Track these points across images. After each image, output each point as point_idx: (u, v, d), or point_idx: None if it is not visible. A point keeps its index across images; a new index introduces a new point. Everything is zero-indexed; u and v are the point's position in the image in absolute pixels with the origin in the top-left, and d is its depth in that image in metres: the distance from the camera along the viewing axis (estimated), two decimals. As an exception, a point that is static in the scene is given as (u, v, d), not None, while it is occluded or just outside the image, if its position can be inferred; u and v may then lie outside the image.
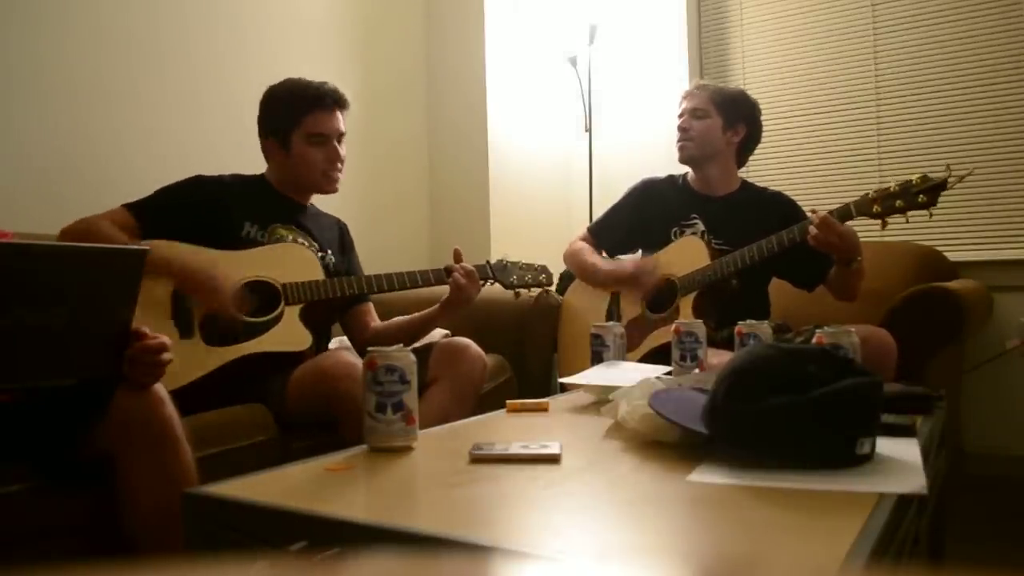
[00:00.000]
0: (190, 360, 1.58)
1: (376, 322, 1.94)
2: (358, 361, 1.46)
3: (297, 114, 1.80)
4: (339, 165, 1.85)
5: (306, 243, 1.83)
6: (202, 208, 1.72)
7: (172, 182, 1.77)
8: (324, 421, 1.53)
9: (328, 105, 1.81)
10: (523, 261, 1.96)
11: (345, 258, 1.95)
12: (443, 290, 1.83)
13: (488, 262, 1.91)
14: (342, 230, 2.00)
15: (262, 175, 1.89)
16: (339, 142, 1.85)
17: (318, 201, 1.97)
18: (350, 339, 1.96)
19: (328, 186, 1.86)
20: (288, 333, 1.69)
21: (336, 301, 1.81)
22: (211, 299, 1.63)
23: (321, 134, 1.81)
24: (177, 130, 2.25)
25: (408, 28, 3.07)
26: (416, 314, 1.89)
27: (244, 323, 1.66)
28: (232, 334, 1.65)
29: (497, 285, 1.92)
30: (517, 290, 1.93)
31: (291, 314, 1.70)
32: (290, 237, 1.81)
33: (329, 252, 1.87)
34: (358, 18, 2.86)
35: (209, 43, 2.36)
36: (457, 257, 1.83)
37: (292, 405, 1.58)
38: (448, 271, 1.81)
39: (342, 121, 1.85)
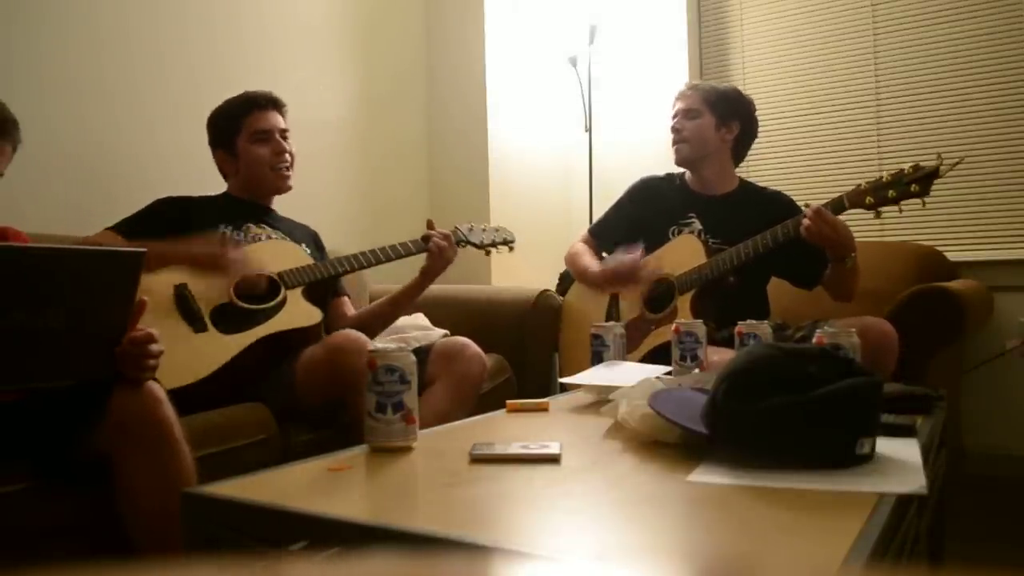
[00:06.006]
0: (209, 351, 1.60)
1: (352, 312, 1.98)
2: (366, 338, 1.58)
3: (237, 119, 1.88)
4: (286, 157, 1.90)
5: (284, 239, 1.88)
6: (179, 222, 1.77)
7: (155, 198, 1.83)
8: (331, 404, 1.56)
9: (263, 105, 1.90)
10: (486, 224, 2.09)
11: (321, 256, 1.99)
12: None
13: (457, 227, 2.00)
14: (315, 236, 2.05)
15: (225, 192, 1.95)
16: (283, 138, 1.91)
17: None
18: (329, 332, 1.98)
19: (280, 181, 1.91)
20: (297, 312, 1.74)
21: (330, 282, 1.87)
22: (221, 278, 1.66)
23: (262, 130, 1.88)
24: (178, 131, 2.25)
25: (408, 28, 3.07)
26: (395, 291, 1.94)
27: (251, 311, 1.69)
28: (242, 317, 1.68)
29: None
30: (487, 248, 2.05)
31: (294, 295, 1.75)
32: (264, 235, 1.86)
33: (303, 246, 1.90)
34: (358, 18, 2.85)
35: (209, 44, 2.36)
36: (430, 225, 1.92)
37: (301, 388, 1.61)
38: (426, 239, 1.89)
39: (282, 120, 1.93)
